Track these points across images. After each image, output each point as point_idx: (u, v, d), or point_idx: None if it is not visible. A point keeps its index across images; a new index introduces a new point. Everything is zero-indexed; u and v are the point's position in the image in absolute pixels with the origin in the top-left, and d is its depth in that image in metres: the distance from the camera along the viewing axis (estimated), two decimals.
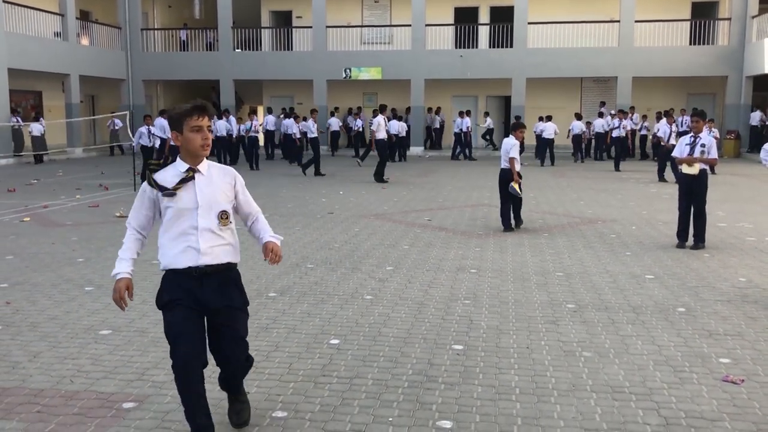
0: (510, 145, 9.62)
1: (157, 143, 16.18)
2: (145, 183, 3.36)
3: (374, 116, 17.51)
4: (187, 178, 3.28)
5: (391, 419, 3.73)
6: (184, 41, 30.17)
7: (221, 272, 3.35)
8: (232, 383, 3.63)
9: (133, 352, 4.77)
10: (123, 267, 3.34)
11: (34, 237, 9.14)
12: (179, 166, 3.31)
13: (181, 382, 3.27)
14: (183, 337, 3.24)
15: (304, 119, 20.13)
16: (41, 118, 23.09)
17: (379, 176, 16.17)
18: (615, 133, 21.43)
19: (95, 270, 7.25)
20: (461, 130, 23.80)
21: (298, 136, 20.60)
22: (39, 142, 22.40)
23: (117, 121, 24.48)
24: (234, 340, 3.44)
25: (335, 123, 25.45)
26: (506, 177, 9.69)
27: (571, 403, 3.93)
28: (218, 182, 3.36)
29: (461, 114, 24.14)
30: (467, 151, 24.11)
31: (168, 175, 3.30)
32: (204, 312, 3.34)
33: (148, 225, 3.41)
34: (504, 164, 9.72)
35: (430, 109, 28.40)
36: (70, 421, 3.71)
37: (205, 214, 3.29)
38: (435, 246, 8.56)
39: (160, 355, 4.70)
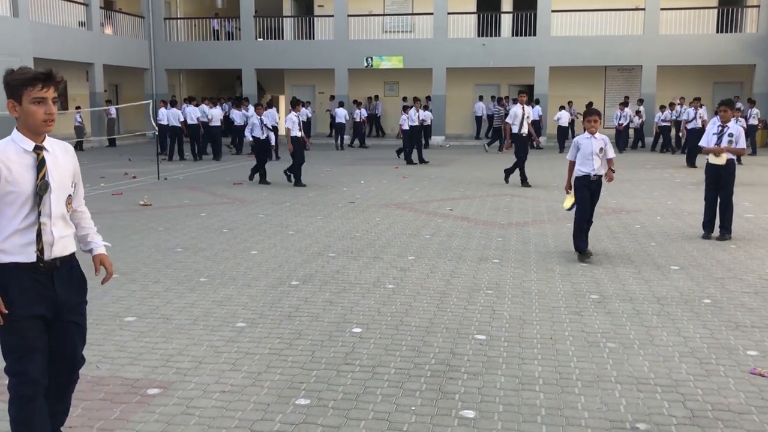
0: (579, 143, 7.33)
1: (272, 137, 14.65)
2: None
3: (513, 104, 15.92)
4: (43, 161, 2.83)
5: (413, 408, 3.72)
6: (216, 30, 30.24)
7: (68, 263, 2.95)
8: (64, 408, 3.13)
9: (158, 339, 4.81)
10: None
11: None
12: (20, 142, 2.82)
13: (27, 411, 2.82)
14: (36, 353, 2.82)
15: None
16: None
17: (521, 181, 13.44)
18: (690, 125, 18.44)
19: (119, 257, 7.32)
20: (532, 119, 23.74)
21: (406, 128, 18.08)
22: None
23: (111, 109, 24.62)
24: (81, 336, 3.04)
25: (342, 114, 24.51)
26: (587, 184, 7.27)
27: (596, 394, 3.90)
28: (63, 162, 2.93)
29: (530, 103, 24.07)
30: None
31: (10, 153, 2.80)
32: (50, 313, 2.90)
33: None
34: (583, 169, 7.26)
35: (492, 98, 27.81)
36: (96, 406, 3.75)
37: (57, 198, 2.87)
38: (457, 235, 8.53)
39: (184, 342, 4.74)
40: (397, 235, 8.57)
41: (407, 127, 17.76)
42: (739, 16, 26.34)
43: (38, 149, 2.84)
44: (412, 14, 28.55)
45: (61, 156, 2.93)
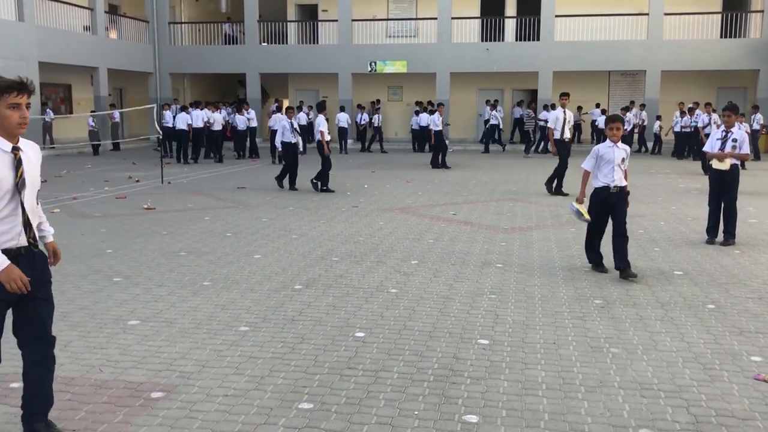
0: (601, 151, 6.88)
1: (300, 142, 13.86)
2: None
3: (551, 110, 15.52)
4: (20, 161, 3.11)
5: (416, 413, 3.72)
6: (228, 35, 30.26)
7: (30, 251, 3.23)
8: (45, 392, 3.35)
9: (161, 343, 4.82)
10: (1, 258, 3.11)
11: (63, 228, 9.26)
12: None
13: None
14: None
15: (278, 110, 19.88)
16: (48, 110, 23.43)
17: (555, 188, 12.93)
18: (706, 131, 18.18)
19: (123, 261, 7.34)
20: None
21: (439, 129, 18.59)
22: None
23: (115, 113, 24.73)
24: (48, 311, 3.30)
25: (344, 119, 24.45)
26: (605, 197, 6.80)
27: (599, 399, 3.89)
28: (34, 161, 3.23)
29: (546, 107, 24.12)
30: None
31: None
32: (14, 298, 3.16)
33: None
34: (603, 180, 6.83)
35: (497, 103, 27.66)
36: (99, 410, 3.76)
37: (29, 194, 3.17)
38: (460, 240, 8.53)
39: (187, 345, 4.75)
40: (400, 239, 8.57)
41: (439, 129, 18.28)
42: (743, 21, 26.35)
43: (15, 149, 3.13)
44: (416, 19, 28.61)
45: (32, 156, 3.23)
